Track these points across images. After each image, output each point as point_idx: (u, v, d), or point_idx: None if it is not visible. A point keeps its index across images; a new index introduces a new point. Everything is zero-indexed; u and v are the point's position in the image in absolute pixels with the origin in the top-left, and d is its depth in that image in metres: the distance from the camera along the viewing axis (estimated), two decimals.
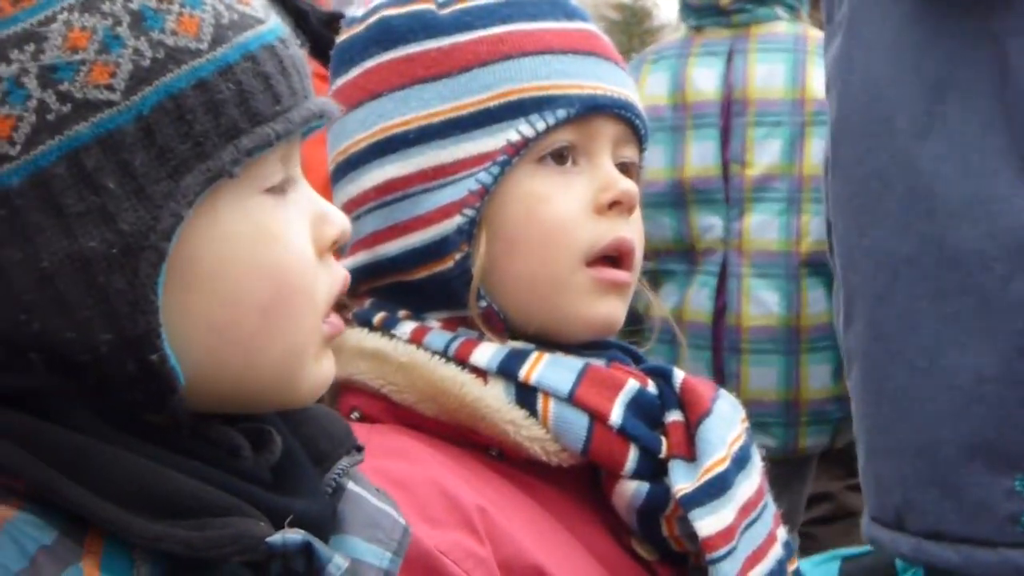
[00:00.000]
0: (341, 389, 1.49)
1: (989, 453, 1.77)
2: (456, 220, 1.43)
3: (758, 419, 2.73)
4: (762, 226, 3.52)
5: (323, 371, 1.11)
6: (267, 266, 1.05)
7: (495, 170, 1.42)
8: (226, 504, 1.01)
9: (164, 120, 0.99)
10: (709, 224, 3.56)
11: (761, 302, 3.51)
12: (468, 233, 1.43)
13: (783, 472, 3.37)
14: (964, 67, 1.77)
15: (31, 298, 0.98)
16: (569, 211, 1.44)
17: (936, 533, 1.83)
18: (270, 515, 1.03)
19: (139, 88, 0.99)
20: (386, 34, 1.49)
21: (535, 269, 1.43)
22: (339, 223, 1.11)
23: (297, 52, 1.09)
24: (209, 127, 1.01)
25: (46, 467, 0.97)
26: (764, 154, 3.53)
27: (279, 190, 1.07)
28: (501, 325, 1.45)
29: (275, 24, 1.08)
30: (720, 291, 3.54)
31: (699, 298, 3.58)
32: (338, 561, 1.05)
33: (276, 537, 1.01)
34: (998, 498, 1.75)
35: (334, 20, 2.26)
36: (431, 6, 1.49)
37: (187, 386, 1.02)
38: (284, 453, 1.11)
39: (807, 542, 3.96)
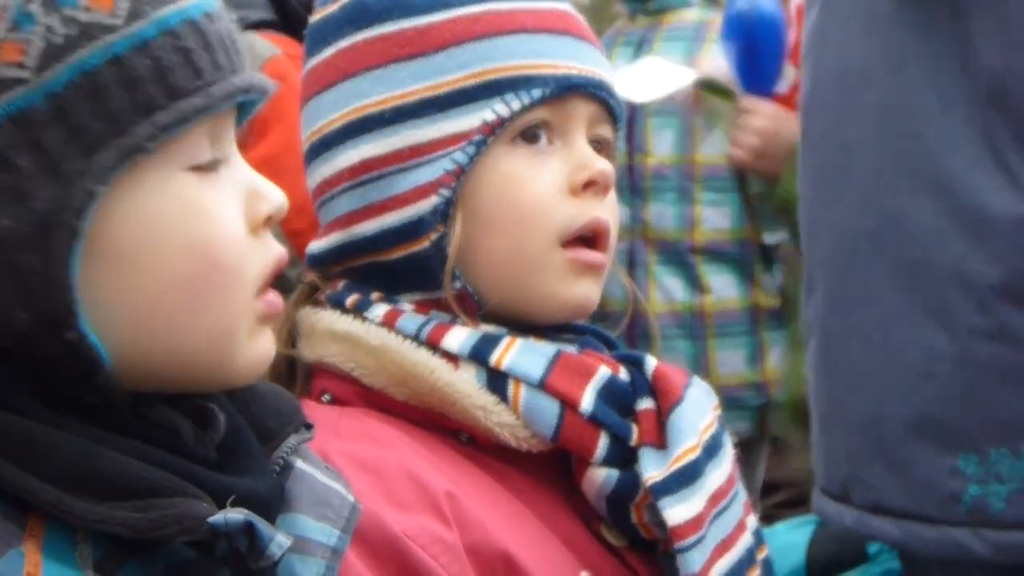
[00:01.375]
0: (313, 371, 1.48)
1: (935, 431, 1.78)
2: (432, 200, 1.42)
3: None
4: (660, 215, 3.55)
5: (259, 350, 1.10)
6: (191, 243, 1.04)
7: (471, 150, 1.42)
8: (169, 485, 1.01)
9: (77, 97, 0.99)
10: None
11: (665, 289, 3.54)
12: (444, 213, 1.42)
13: None
14: (927, 43, 1.78)
15: None
16: (544, 191, 1.43)
17: (879, 507, 1.84)
18: (214, 495, 1.03)
19: (51, 65, 0.99)
20: (360, 14, 1.48)
21: (510, 249, 1.43)
22: (274, 199, 1.10)
23: (226, 26, 1.08)
24: (125, 103, 1.00)
25: None
26: (661, 143, 3.57)
27: (208, 167, 1.06)
28: (475, 307, 1.44)
29: None
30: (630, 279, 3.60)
31: (610, 286, 3.62)
32: (280, 540, 1.05)
33: (218, 517, 1.01)
34: (942, 476, 1.77)
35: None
36: None
37: (118, 365, 1.02)
38: (230, 431, 1.12)
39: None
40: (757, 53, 3.41)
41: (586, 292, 1.46)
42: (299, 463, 1.17)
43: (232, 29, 1.10)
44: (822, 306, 1.93)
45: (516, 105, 1.42)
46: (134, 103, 1.01)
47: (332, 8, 1.51)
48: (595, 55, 1.49)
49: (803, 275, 2.00)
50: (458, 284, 1.43)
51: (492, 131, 1.42)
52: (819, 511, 1.97)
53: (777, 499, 4.21)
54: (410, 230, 1.43)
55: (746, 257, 3.63)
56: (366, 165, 1.45)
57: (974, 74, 1.73)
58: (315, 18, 1.54)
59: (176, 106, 1.02)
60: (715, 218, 3.60)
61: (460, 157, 1.42)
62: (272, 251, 1.10)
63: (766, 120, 3.41)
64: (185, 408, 1.09)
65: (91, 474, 0.98)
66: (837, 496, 1.89)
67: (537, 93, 1.43)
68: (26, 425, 0.99)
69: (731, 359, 3.54)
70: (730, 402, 3.61)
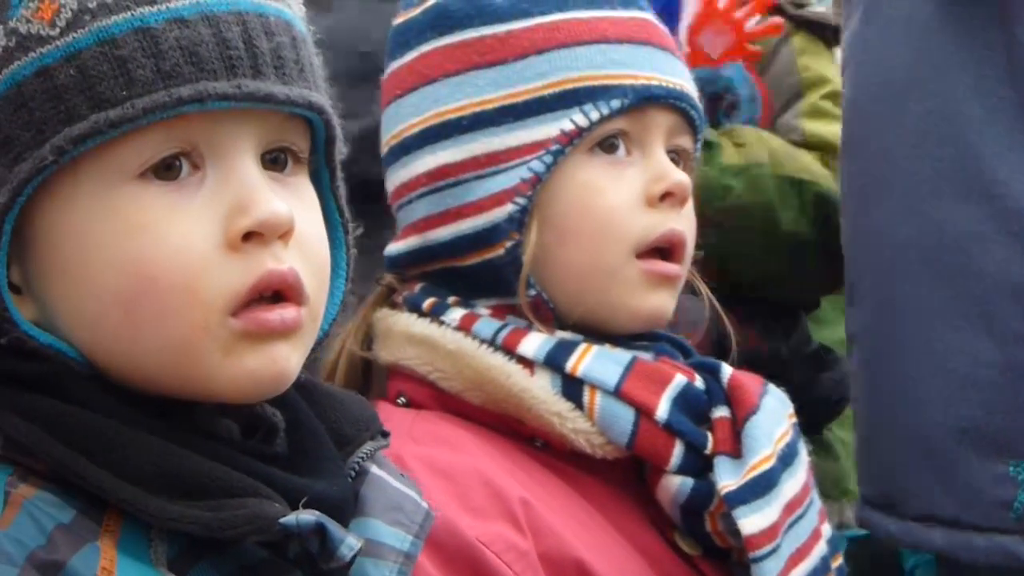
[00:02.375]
0: (389, 373, 1.49)
1: (983, 438, 1.76)
2: (508, 208, 1.42)
3: None
4: None
5: (248, 366, 1.03)
6: (128, 260, 1.01)
7: (548, 159, 1.42)
8: (242, 485, 1.01)
9: (8, 109, 1.00)
10: None
11: None
12: (519, 221, 1.43)
13: None
14: (971, 49, 1.76)
15: None
16: (621, 202, 1.43)
17: (927, 516, 1.82)
18: (287, 496, 1.03)
19: None
20: (442, 19, 1.48)
21: (585, 259, 1.43)
22: (256, 214, 1.02)
23: (204, 32, 1.02)
24: (49, 114, 1.00)
25: (66, 448, 0.98)
26: None
27: (167, 177, 1.02)
28: (550, 314, 1.44)
29: (180, 5, 1.02)
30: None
31: None
32: (350, 542, 1.05)
33: (290, 518, 1.01)
34: (990, 483, 1.75)
35: None
36: None
37: (105, 366, 1.03)
38: (308, 435, 1.12)
39: None
40: None
41: (660, 303, 1.46)
42: (374, 469, 1.17)
43: (211, 35, 1.03)
44: (863, 315, 1.91)
45: (595, 115, 1.42)
46: (58, 114, 1.00)
47: (415, 12, 1.52)
48: (675, 65, 1.49)
49: (844, 285, 1.98)
50: (533, 292, 1.44)
51: (570, 141, 1.42)
52: (862, 521, 1.95)
53: None
54: (485, 237, 1.44)
55: None
56: (443, 171, 1.46)
57: (1020, 80, 1.71)
58: (398, 21, 1.55)
59: (93, 117, 1.00)
60: None
61: (537, 166, 1.42)
62: (255, 268, 1.03)
63: None
64: (236, 413, 1.09)
65: (166, 473, 1.00)
66: (882, 507, 1.88)
67: (616, 104, 1.43)
68: (106, 424, 1.00)
69: None
70: None
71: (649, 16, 1.51)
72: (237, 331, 1.02)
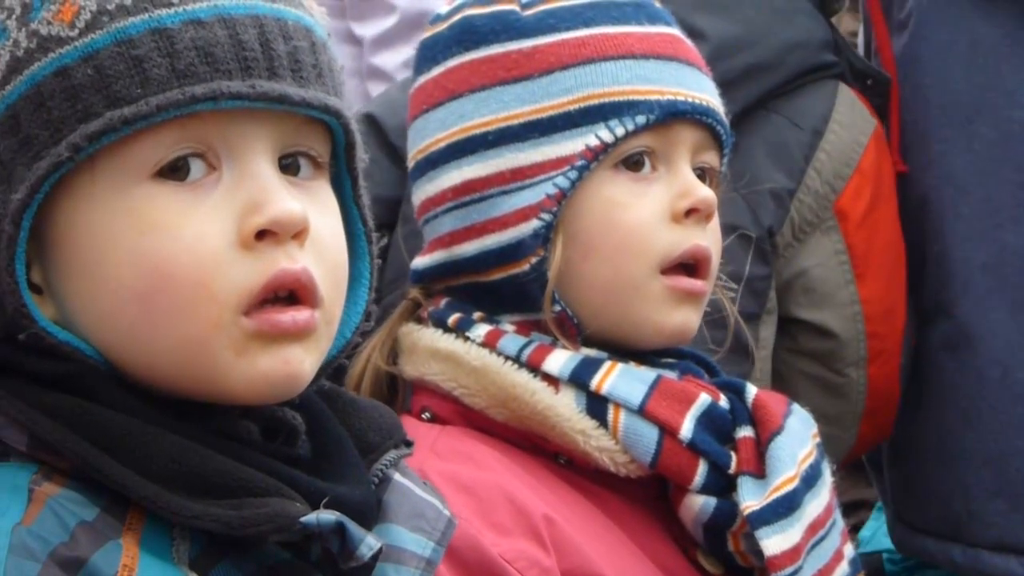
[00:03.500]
0: (414, 388, 1.50)
1: None
2: (533, 224, 1.43)
3: None
4: None
5: (261, 368, 1.04)
6: (144, 256, 1.03)
7: (573, 175, 1.43)
8: (265, 485, 1.03)
9: (28, 108, 1.02)
10: None
11: None
12: (544, 237, 1.44)
13: None
14: None
15: None
16: (646, 218, 1.44)
17: (1000, 544, 1.80)
18: (309, 498, 1.04)
19: (11, 78, 1.03)
20: (468, 34, 1.49)
21: (610, 275, 1.44)
22: (269, 213, 1.03)
23: (220, 33, 1.04)
24: (67, 113, 1.02)
25: (90, 446, 1.00)
26: None
27: (179, 176, 1.04)
28: (574, 330, 1.45)
29: (200, 6, 1.04)
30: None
31: None
32: (370, 542, 1.06)
33: (311, 517, 1.02)
34: None
35: None
36: (515, 7, 1.49)
37: (122, 365, 1.04)
38: (332, 440, 1.13)
39: None
40: None
41: (684, 320, 1.46)
42: (397, 476, 1.19)
43: (226, 35, 1.04)
44: (932, 339, 1.90)
45: (620, 131, 1.43)
46: (74, 112, 1.02)
47: (442, 27, 1.53)
48: (702, 80, 1.50)
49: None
50: (557, 308, 1.44)
51: (595, 156, 1.43)
52: (906, 546, 1.94)
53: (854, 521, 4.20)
54: (510, 253, 1.45)
55: None
56: (469, 186, 1.47)
57: None
58: (426, 35, 1.56)
59: (108, 115, 1.02)
60: None
61: (562, 182, 1.43)
62: (268, 266, 1.04)
63: None
64: (258, 415, 1.10)
65: (188, 471, 1.01)
66: (945, 534, 1.86)
67: (641, 119, 1.43)
68: (129, 422, 1.02)
69: None
70: None
71: (676, 31, 1.52)
72: (249, 331, 1.04)
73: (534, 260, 1.44)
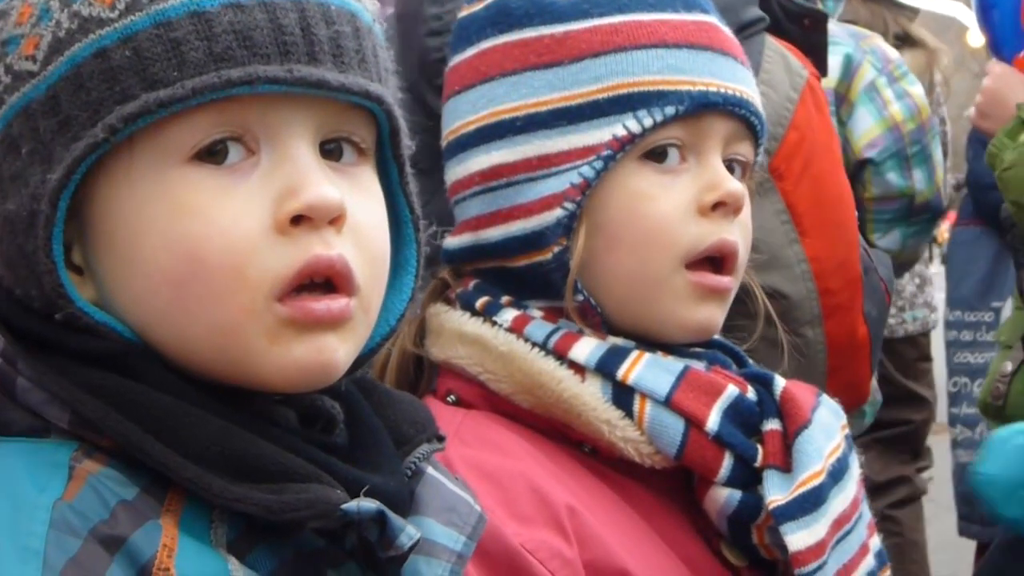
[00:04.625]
0: (440, 370, 1.49)
1: None
2: (556, 213, 1.43)
3: None
4: None
5: (292, 356, 1.04)
6: (179, 240, 1.03)
7: (598, 164, 1.42)
8: (305, 471, 1.03)
9: (68, 89, 1.03)
10: None
11: None
12: (567, 227, 1.43)
13: None
14: None
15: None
16: (671, 211, 1.43)
17: None
18: (347, 486, 1.05)
19: (53, 59, 1.04)
20: (504, 16, 1.49)
21: (633, 267, 1.43)
22: (305, 198, 1.03)
23: (260, 17, 1.03)
24: (105, 94, 1.03)
25: (133, 425, 1.01)
26: None
27: (216, 160, 1.04)
28: (598, 319, 1.45)
29: None
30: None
31: None
32: (410, 531, 1.07)
33: (351, 504, 1.03)
34: None
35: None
36: None
37: (160, 346, 1.05)
38: (368, 431, 1.14)
39: (888, 524, 3.97)
40: (991, 18, 3.40)
41: (708, 316, 1.46)
42: (429, 470, 1.19)
43: (266, 19, 1.04)
44: None
45: (648, 122, 1.42)
46: (113, 94, 1.03)
47: (479, 7, 1.53)
48: (738, 70, 1.48)
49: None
50: (580, 297, 1.44)
51: (621, 147, 1.42)
52: None
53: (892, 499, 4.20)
54: (534, 240, 1.45)
55: None
56: (496, 171, 1.47)
57: None
58: (463, 14, 1.56)
59: (144, 97, 1.02)
60: (884, 242, 3.61)
61: (587, 171, 1.42)
62: (303, 252, 1.04)
63: (992, 81, 3.35)
64: (309, 407, 1.11)
65: (230, 454, 1.01)
66: None
67: (671, 110, 1.42)
68: (172, 403, 1.02)
69: None
70: None
71: (712, 19, 1.50)
72: (283, 317, 1.04)
73: (556, 249, 1.44)
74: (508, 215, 1.46)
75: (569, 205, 1.42)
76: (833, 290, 1.98)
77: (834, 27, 3.90)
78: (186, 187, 1.03)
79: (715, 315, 1.46)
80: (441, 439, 1.21)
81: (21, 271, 1.04)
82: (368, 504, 1.04)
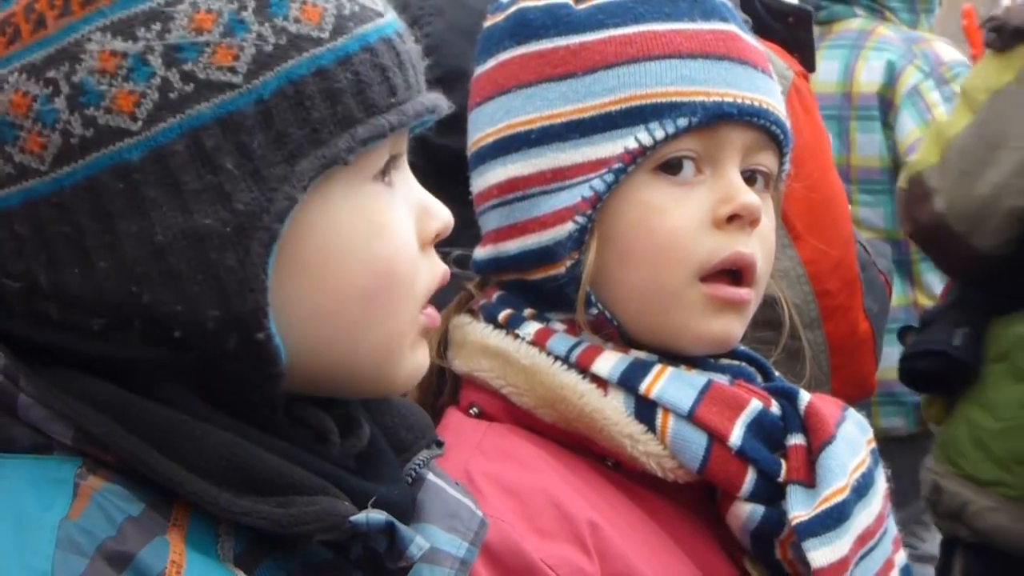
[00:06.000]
0: (463, 382, 1.49)
1: None
2: (568, 226, 1.44)
3: None
4: None
5: (419, 361, 1.15)
6: (374, 256, 1.09)
7: (609, 178, 1.42)
8: (312, 484, 1.05)
9: (283, 105, 1.04)
10: None
11: None
12: (579, 240, 1.43)
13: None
14: None
15: (143, 271, 1.03)
16: (684, 224, 1.43)
17: None
18: (353, 498, 1.07)
19: (261, 72, 1.04)
20: (521, 27, 1.50)
21: (647, 281, 1.44)
22: (443, 217, 1.15)
23: (412, 47, 1.13)
24: (326, 114, 1.05)
25: (137, 439, 1.02)
26: None
27: (387, 181, 1.11)
28: (615, 332, 1.46)
29: (393, 18, 1.12)
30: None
31: None
32: (420, 542, 1.09)
33: (360, 516, 1.05)
34: None
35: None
36: (569, 0, 1.45)
37: (290, 367, 1.07)
38: (369, 440, 1.16)
39: None
40: None
41: (724, 328, 1.45)
42: (430, 476, 1.21)
43: (417, 50, 1.14)
44: None
45: (660, 134, 1.41)
46: (335, 115, 1.05)
47: (500, 17, 1.54)
48: (757, 79, 1.47)
49: None
50: (594, 311, 1.45)
51: (633, 159, 1.42)
52: None
53: None
54: (548, 254, 1.45)
55: (905, 256, 3.71)
56: (512, 184, 1.48)
57: None
58: (487, 24, 1.56)
59: (373, 121, 1.07)
60: (871, 218, 3.62)
61: (598, 184, 1.42)
62: (437, 268, 1.16)
63: None
64: (332, 414, 1.14)
65: (237, 468, 1.03)
66: None
67: (683, 122, 1.41)
68: (176, 417, 1.03)
69: (888, 354, 3.50)
70: (886, 397, 3.58)
71: (732, 27, 1.48)
72: (422, 326, 1.15)
73: (569, 263, 1.44)
74: (524, 228, 1.47)
75: (580, 219, 1.42)
76: (832, 291, 1.98)
77: (888, 31, 3.91)
78: (376, 205, 1.09)
79: (732, 327, 1.45)
80: (440, 444, 1.24)
81: (196, 288, 1.03)
82: (377, 516, 1.05)
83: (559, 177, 1.44)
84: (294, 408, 1.10)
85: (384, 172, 1.10)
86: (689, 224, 1.42)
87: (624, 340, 1.45)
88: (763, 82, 1.47)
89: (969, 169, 3.00)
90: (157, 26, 1.02)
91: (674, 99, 1.42)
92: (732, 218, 1.42)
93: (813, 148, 1.95)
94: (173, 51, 1.02)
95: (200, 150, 1.02)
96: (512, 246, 1.48)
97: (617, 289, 1.44)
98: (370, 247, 1.08)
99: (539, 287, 1.47)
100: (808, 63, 2.07)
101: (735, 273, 1.44)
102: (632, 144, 1.41)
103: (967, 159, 3.00)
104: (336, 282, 1.07)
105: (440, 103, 1.14)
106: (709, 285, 1.43)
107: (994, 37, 3.14)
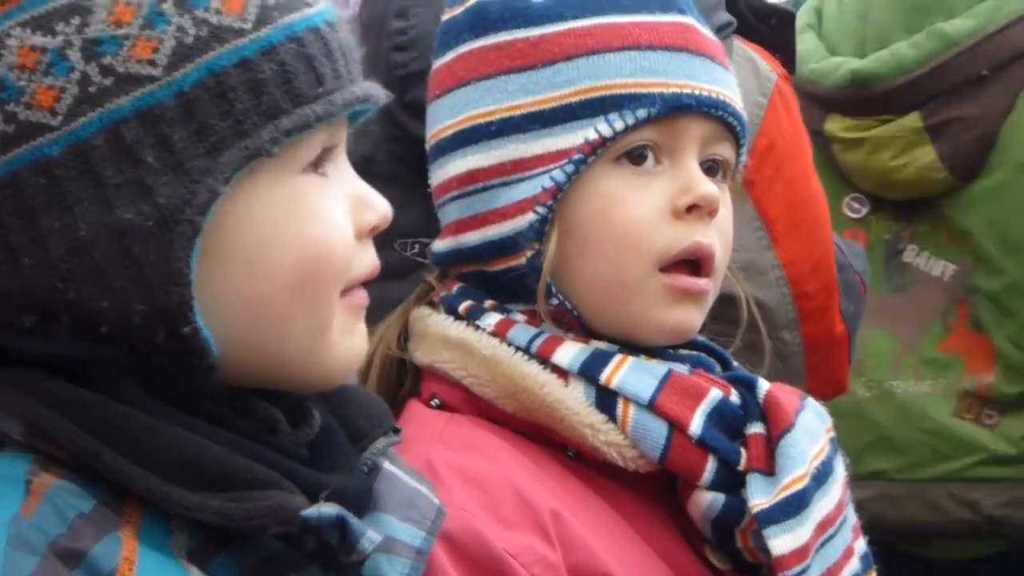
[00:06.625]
0: (424, 373, 1.50)
1: None
2: (529, 217, 1.44)
3: None
4: None
5: (353, 346, 1.15)
6: (303, 245, 1.08)
7: (569, 168, 1.43)
8: (264, 477, 1.05)
9: (204, 97, 1.04)
10: None
11: None
12: (539, 231, 1.44)
13: None
14: None
15: (67, 267, 1.03)
16: (644, 214, 1.44)
17: None
18: (306, 490, 1.07)
19: (181, 65, 1.04)
20: (480, 20, 1.50)
21: (607, 272, 1.45)
22: (380, 208, 1.15)
23: (346, 37, 1.12)
24: (250, 106, 1.05)
25: (88, 436, 1.02)
26: None
27: (321, 171, 1.11)
28: (575, 323, 1.47)
29: (324, 8, 1.12)
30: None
31: None
32: (371, 535, 1.09)
33: (311, 510, 1.05)
34: None
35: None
36: None
37: (222, 359, 1.07)
38: (322, 430, 1.17)
39: None
40: None
41: (683, 318, 1.46)
42: (387, 465, 1.22)
43: (351, 39, 1.14)
44: None
45: (619, 125, 1.42)
46: (259, 106, 1.05)
47: (458, 11, 1.55)
48: (714, 71, 1.48)
49: None
50: (555, 301, 1.46)
51: (593, 150, 1.43)
52: None
53: None
54: (509, 245, 1.46)
55: None
56: (472, 176, 1.48)
57: None
58: (445, 18, 1.57)
59: (298, 112, 1.07)
60: None
61: (558, 175, 1.43)
62: (372, 259, 1.16)
63: None
64: (281, 404, 1.14)
65: (188, 463, 1.03)
66: None
67: (643, 113, 1.43)
68: (127, 413, 1.03)
69: None
70: None
71: (689, 20, 1.50)
72: (354, 306, 1.14)
73: (529, 254, 1.45)
74: (485, 219, 1.47)
75: (541, 209, 1.43)
76: (810, 293, 1.99)
77: None
78: (306, 194, 1.09)
79: (691, 317, 1.47)
80: (397, 431, 1.24)
81: (121, 283, 1.03)
82: (328, 510, 1.06)
83: (519, 168, 1.45)
84: (239, 401, 1.11)
85: (317, 164, 1.10)
86: (649, 214, 1.43)
87: (584, 330, 1.46)
88: (720, 74, 1.49)
89: None
90: (76, 20, 1.02)
91: (633, 90, 1.43)
92: (691, 208, 1.43)
93: (794, 150, 1.96)
94: (92, 45, 1.02)
95: (120, 144, 1.02)
96: (473, 238, 1.48)
97: (577, 280, 1.45)
98: (299, 236, 1.08)
99: (499, 278, 1.48)
100: (790, 63, 2.09)
101: (693, 263, 1.45)
102: (592, 135, 1.42)
103: None
104: (265, 273, 1.07)
105: (374, 92, 1.14)
106: (668, 275, 1.44)
107: None
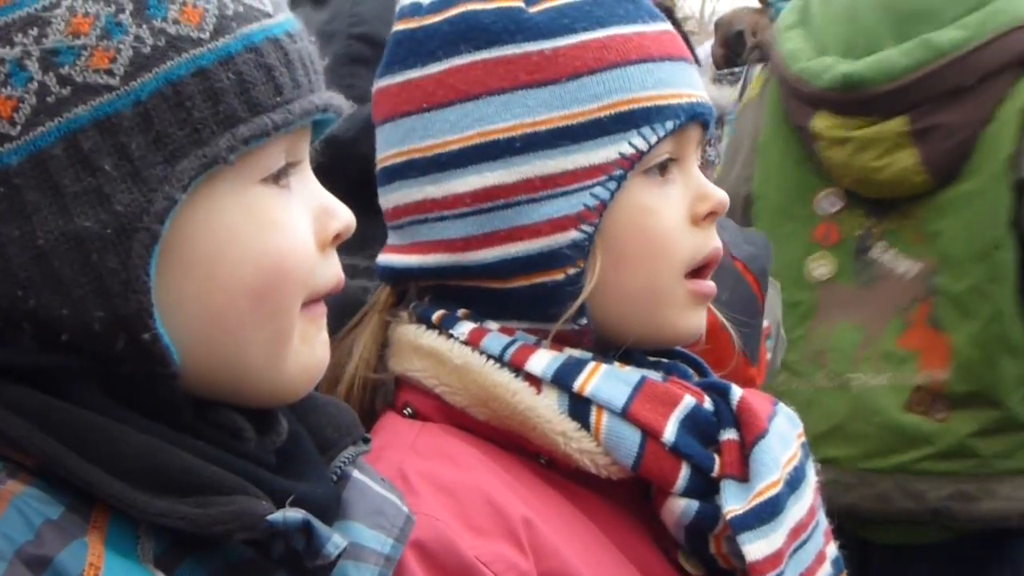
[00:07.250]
0: (397, 383, 1.49)
1: None
2: (572, 235, 1.43)
3: None
4: None
5: (315, 355, 1.15)
6: (262, 253, 1.09)
7: (612, 185, 1.44)
8: (230, 483, 1.06)
9: (162, 106, 1.05)
10: None
11: None
12: (584, 249, 1.43)
13: None
14: None
15: (27, 275, 1.03)
16: (673, 223, 1.47)
17: None
18: (273, 496, 1.08)
19: (138, 74, 1.04)
20: (477, 32, 1.47)
21: (641, 282, 1.47)
22: (344, 218, 1.16)
23: (306, 46, 1.14)
24: (207, 114, 1.06)
25: (55, 443, 1.02)
26: None
27: (281, 181, 1.12)
28: (591, 341, 1.47)
29: (284, 19, 1.13)
30: None
31: None
32: (336, 540, 1.10)
33: (277, 515, 1.06)
34: None
35: None
36: (519, 4, 1.48)
37: (184, 368, 1.08)
38: (290, 438, 1.17)
39: None
40: None
41: (700, 321, 1.51)
42: (356, 473, 1.22)
43: (312, 50, 1.15)
44: None
45: (652, 138, 1.44)
46: (216, 115, 1.06)
47: (434, 19, 1.50)
48: (698, 76, 1.52)
49: None
50: (584, 320, 1.45)
51: (631, 164, 1.44)
52: None
53: None
54: (541, 262, 1.44)
55: None
56: (490, 193, 1.45)
57: None
58: (410, 26, 1.52)
59: (256, 120, 1.07)
60: None
61: (601, 192, 1.43)
62: (336, 271, 1.16)
63: None
64: (248, 412, 1.14)
65: (154, 469, 1.03)
66: None
67: (670, 125, 1.45)
68: (94, 420, 1.04)
69: None
70: None
71: (671, 27, 1.52)
72: (315, 316, 1.15)
73: (571, 271, 1.44)
74: (507, 236, 1.45)
75: (587, 227, 1.43)
76: None
77: None
78: (266, 204, 1.10)
79: (704, 319, 1.51)
80: (367, 440, 1.25)
81: (80, 291, 1.03)
82: (294, 515, 1.06)
83: (549, 185, 1.43)
84: (204, 409, 1.11)
85: (279, 177, 1.11)
86: (676, 223, 1.46)
87: (597, 347, 1.47)
88: (700, 80, 1.52)
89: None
90: (34, 31, 1.03)
91: (657, 103, 1.45)
92: (708, 215, 1.47)
93: None
94: (50, 55, 1.03)
95: (78, 153, 1.03)
96: (487, 254, 1.45)
97: (608, 292, 1.45)
98: (258, 245, 1.09)
99: (507, 296, 1.45)
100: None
101: (698, 270, 1.49)
102: (628, 149, 1.43)
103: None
104: (224, 281, 1.08)
105: (334, 101, 1.15)
106: (692, 281, 1.47)
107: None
